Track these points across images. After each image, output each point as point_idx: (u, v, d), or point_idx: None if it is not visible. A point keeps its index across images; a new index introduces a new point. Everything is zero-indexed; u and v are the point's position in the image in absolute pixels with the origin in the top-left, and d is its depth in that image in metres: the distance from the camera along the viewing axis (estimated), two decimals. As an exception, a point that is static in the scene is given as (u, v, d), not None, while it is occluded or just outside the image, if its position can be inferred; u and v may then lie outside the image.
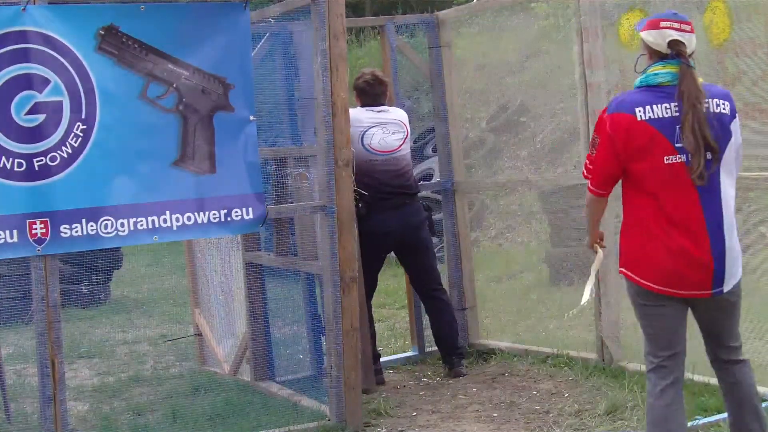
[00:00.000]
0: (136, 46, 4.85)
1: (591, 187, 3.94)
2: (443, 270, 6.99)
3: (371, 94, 6.17)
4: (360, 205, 5.62)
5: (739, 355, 3.96)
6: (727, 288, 3.79)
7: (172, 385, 6.53)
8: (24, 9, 4.62)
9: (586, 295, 4.07)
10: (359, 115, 5.98)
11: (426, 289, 6.34)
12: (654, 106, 3.72)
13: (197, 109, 4.98)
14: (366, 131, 6.03)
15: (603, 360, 5.96)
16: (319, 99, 5.27)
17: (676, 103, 3.71)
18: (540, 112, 11.11)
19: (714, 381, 5.04)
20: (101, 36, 4.79)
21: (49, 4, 4.72)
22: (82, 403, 6.19)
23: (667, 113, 3.72)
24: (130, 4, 4.91)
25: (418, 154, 11.92)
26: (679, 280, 3.77)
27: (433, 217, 6.42)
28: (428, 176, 10.94)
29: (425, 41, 6.90)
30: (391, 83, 6.61)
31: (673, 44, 3.75)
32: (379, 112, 6.14)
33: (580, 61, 5.87)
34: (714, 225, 3.74)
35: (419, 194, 6.43)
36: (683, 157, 3.71)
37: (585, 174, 4.00)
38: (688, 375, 5.29)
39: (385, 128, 6.10)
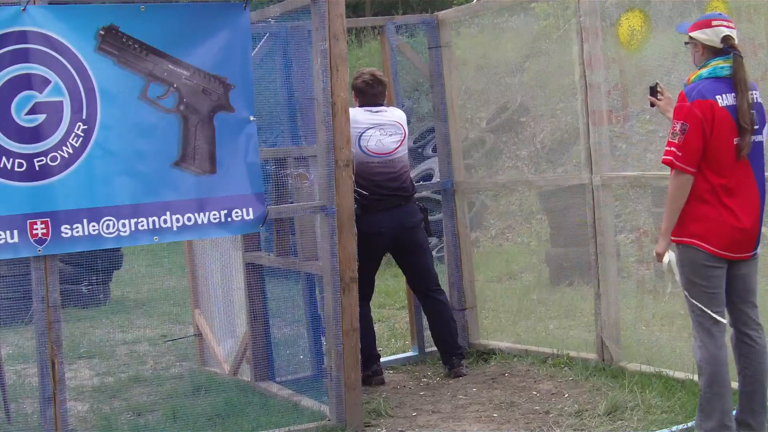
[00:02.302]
0: (136, 46, 4.85)
1: (686, 167, 4.35)
2: (443, 270, 6.99)
3: (370, 94, 6.16)
4: (355, 206, 5.63)
5: (759, 317, 4.52)
6: (758, 248, 4.49)
7: (172, 386, 6.53)
8: (24, 9, 4.63)
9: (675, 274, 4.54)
10: (357, 115, 5.94)
11: (423, 289, 6.34)
12: (727, 95, 4.35)
13: (198, 110, 4.98)
14: (363, 133, 6.02)
15: (603, 360, 5.96)
16: (319, 99, 5.27)
17: (735, 93, 4.35)
18: (540, 112, 11.11)
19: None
20: (101, 36, 4.79)
21: (49, 4, 4.72)
22: (82, 403, 6.19)
23: (733, 101, 4.35)
24: (130, 4, 4.91)
25: (418, 154, 11.92)
26: (738, 245, 4.40)
27: (429, 218, 6.42)
28: (428, 176, 10.93)
29: (425, 41, 6.89)
30: (390, 83, 6.61)
31: (726, 39, 4.37)
32: (377, 113, 6.13)
33: (580, 61, 5.87)
34: (762, 197, 4.44)
35: (417, 194, 6.42)
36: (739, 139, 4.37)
37: (672, 161, 4.37)
38: (689, 375, 5.31)
39: (382, 130, 6.09)
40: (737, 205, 4.37)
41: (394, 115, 6.19)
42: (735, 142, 4.35)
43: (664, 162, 4.42)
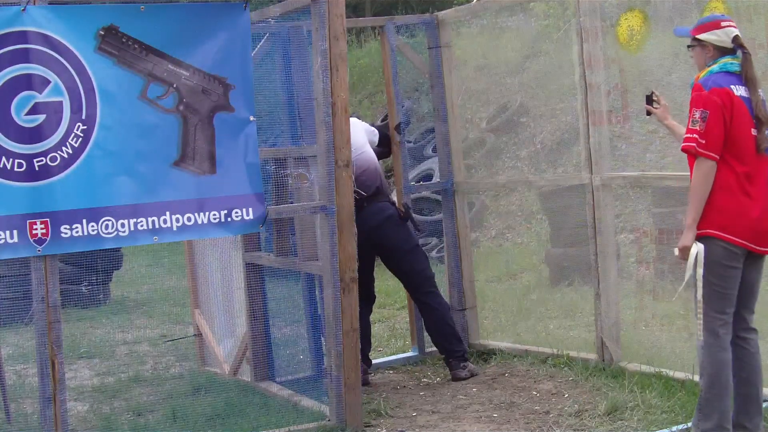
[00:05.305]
0: (136, 46, 4.85)
1: (710, 154, 4.33)
2: (443, 270, 6.99)
3: None
4: None
5: (753, 322, 4.54)
6: None
7: (172, 386, 6.53)
8: (24, 9, 4.63)
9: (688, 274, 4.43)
10: None
11: (414, 293, 6.34)
12: (739, 87, 4.39)
13: (197, 110, 4.98)
14: None
15: (603, 360, 5.96)
16: (319, 99, 5.27)
17: (745, 88, 4.40)
18: (540, 112, 11.11)
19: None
20: (101, 36, 4.79)
21: (49, 4, 4.72)
22: (82, 403, 6.20)
23: (746, 94, 4.40)
24: (130, 4, 4.91)
25: (418, 154, 11.93)
26: (759, 236, 4.38)
27: (429, 217, 6.39)
28: (428, 176, 10.93)
29: (425, 41, 6.89)
30: (391, 83, 6.62)
31: (735, 39, 4.43)
32: None
33: (580, 61, 5.87)
34: None
35: (417, 195, 6.40)
36: (756, 131, 4.39)
37: (695, 148, 4.33)
38: (689, 376, 5.31)
39: None
40: (757, 194, 4.37)
41: None
42: (753, 134, 4.36)
43: (685, 150, 4.36)
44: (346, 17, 5.32)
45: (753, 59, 4.51)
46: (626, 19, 5.68)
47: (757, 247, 4.40)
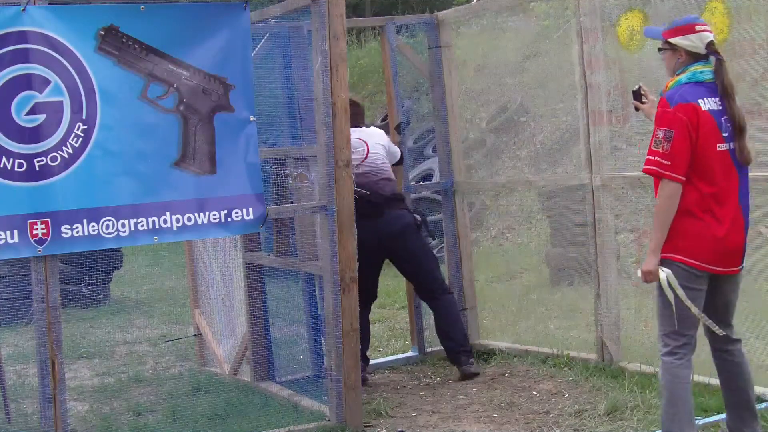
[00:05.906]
0: (136, 46, 4.85)
1: (676, 176, 4.10)
2: (443, 270, 6.98)
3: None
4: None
5: (735, 334, 4.38)
6: (744, 263, 4.29)
7: (172, 386, 6.53)
8: (24, 9, 4.63)
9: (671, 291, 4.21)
10: None
11: (429, 295, 6.35)
12: (708, 99, 4.14)
13: (198, 110, 4.98)
14: None
15: (603, 360, 5.96)
16: (319, 99, 5.27)
17: (718, 98, 4.15)
18: (540, 113, 11.10)
19: (714, 381, 5.06)
20: (101, 36, 4.79)
21: (49, 4, 4.72)
22: (82, 403, 6.20)
23: (715, 106, 4.15)
24: (130, 4, 4.91)
25: (418, 154, 11.92)
26: (724, 258, 4.17)
27: (429, 218, 6.40)
28: (428, 176, 10.93)
29: (425, 41, 6.90)
30: (391, 83, 6.62)
31: (709, 45, 4.19)
32: None
33: (580, 61, 5.88)
34: (745, 208, 4.22)
35: (417, 195, 6.41)
36: (728, 146, 4.16)
37: (657, 170, 4.12)
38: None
39: None
40: (726, 214, 4.15)
41: (360, 134, 6.16)
42: (720, 150, 4.14)
43: (648, 172, 4.15)
44: (346, 17, 5.32)
45: (753, 60, 4.47)
46: (626, 19, 5.68)
47: (721, 269, 4.19)
